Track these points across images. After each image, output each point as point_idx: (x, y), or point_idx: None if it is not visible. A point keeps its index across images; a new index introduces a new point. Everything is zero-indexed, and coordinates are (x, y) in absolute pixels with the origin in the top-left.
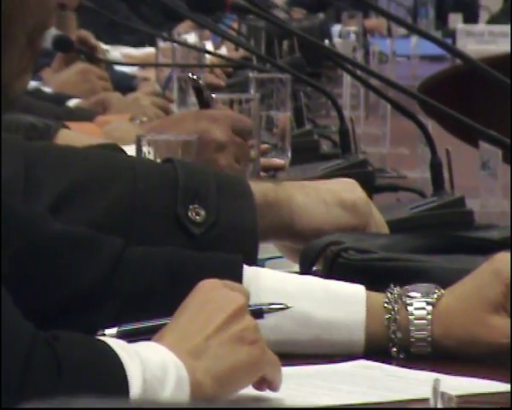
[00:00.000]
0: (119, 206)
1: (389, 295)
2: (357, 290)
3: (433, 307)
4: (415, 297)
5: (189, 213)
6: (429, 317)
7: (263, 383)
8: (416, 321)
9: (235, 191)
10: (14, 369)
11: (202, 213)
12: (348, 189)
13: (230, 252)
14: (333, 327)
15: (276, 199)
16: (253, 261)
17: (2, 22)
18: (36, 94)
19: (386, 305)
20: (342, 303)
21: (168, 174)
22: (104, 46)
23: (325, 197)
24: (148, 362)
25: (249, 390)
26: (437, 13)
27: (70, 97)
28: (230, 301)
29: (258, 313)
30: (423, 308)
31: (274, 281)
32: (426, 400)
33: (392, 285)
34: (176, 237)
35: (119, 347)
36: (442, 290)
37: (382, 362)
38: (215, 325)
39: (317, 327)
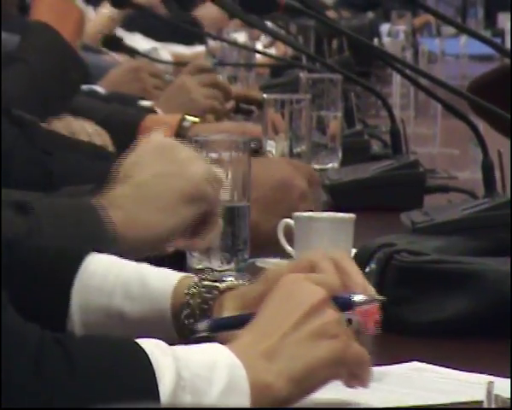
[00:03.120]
0: None
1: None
2: (166, 285)
3: None
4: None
5: None
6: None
7: (351, 379)
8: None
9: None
10: (26, 369)
11: None
12: (188, 177)
13: None
14: (144, 323)
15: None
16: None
17: None
18: (91, 95)
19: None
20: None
21: None
22: (153, 44)
23: (158, 204)
24: (188, 360)
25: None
26: (486, 12)
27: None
28: (309, 297)
29: (346, 305)
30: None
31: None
32: (480, 402)
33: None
34: None
35: (152, 344)
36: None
37: (435, 365)
38: (292, 322)
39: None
